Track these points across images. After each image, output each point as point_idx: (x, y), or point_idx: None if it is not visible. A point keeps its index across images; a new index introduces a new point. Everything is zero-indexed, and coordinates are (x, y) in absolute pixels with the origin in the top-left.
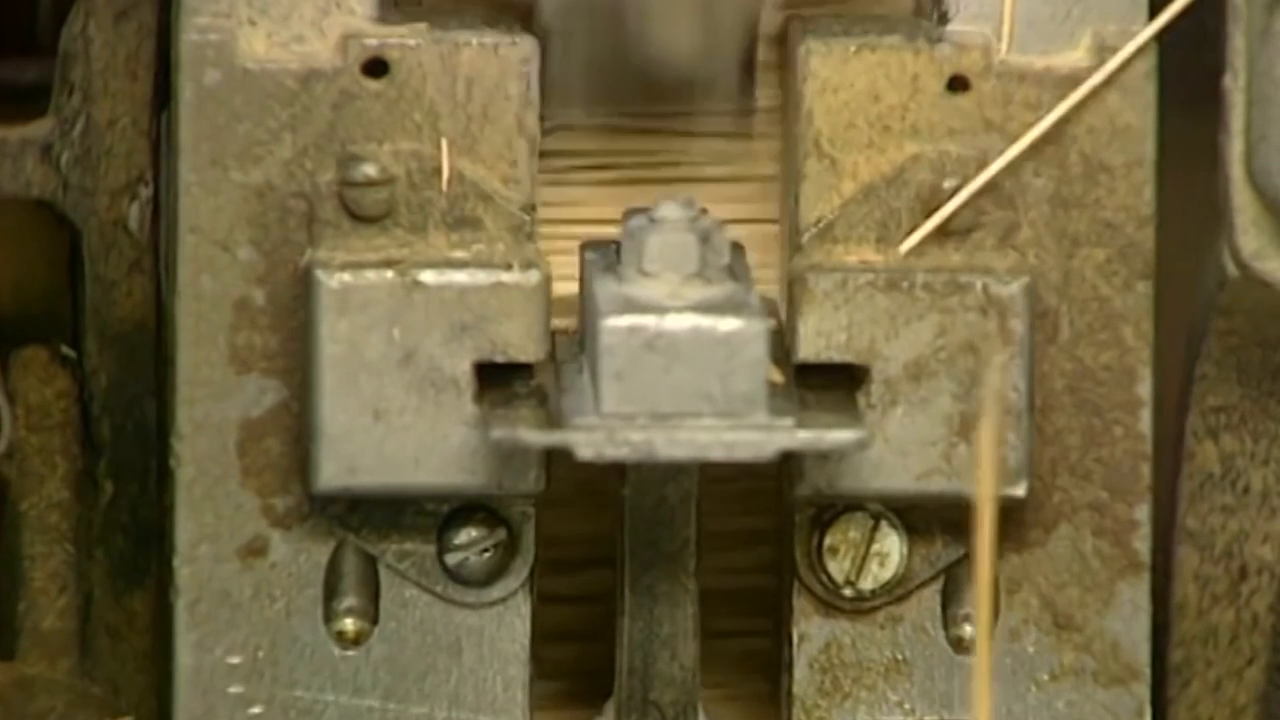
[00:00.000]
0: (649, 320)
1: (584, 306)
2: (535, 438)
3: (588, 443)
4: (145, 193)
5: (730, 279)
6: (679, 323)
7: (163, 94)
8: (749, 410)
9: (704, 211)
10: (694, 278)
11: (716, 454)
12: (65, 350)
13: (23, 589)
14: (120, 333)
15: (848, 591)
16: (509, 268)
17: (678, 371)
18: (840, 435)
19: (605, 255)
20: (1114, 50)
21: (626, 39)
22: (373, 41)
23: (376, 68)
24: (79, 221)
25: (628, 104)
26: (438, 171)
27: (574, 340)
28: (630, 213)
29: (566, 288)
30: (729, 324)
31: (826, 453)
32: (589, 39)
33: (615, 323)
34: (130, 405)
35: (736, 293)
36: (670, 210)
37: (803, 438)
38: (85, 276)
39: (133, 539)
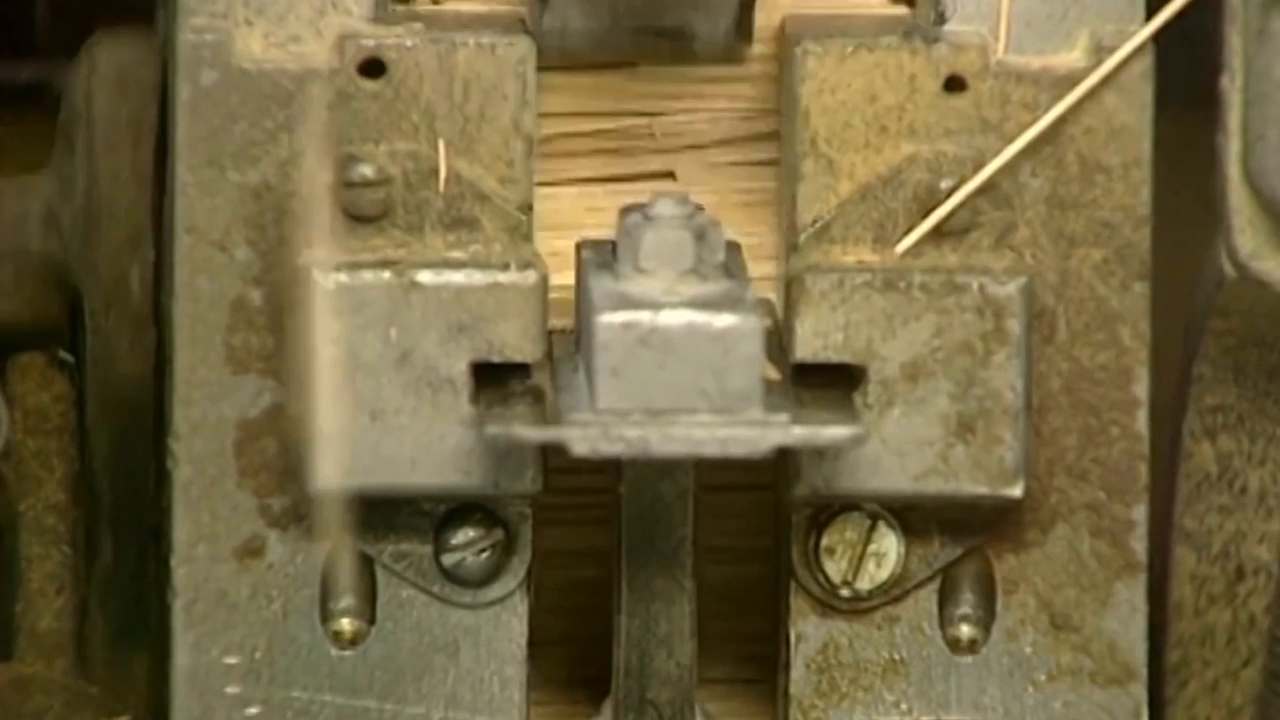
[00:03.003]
0: (644, 316)
1: (580, 304)
2: (530, 434)
3: (583, 438)
4: (146, 252)
5: (726, 276)
6: (674, 319)
7: (163, 156)
8: (744, 406)
9: (699, 209)
10: (689, 274)
11: (711, 450)
12: (63, 355)
13: (20, 590)
14: (121, 391)
15: (845, 592)
16: (506, 268)
17: (673, 367)
18: (836, 431)
19: (601, 253)
20: (1111, 50)
21: None
22: (369, 42)
23: (373, 68)
24: (80, 281)
25: (624, 49)
26: (434, 172)
27: (570, 339)
28: (626, 209)
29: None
30: (724, 320)
31: (822, 449)
32: None
33: (610, 319)
34: (130, 463)
35: (732, 289)
36: (666, 207)
37: (798, 434)
38: (86, 335)
39: (131, 600)
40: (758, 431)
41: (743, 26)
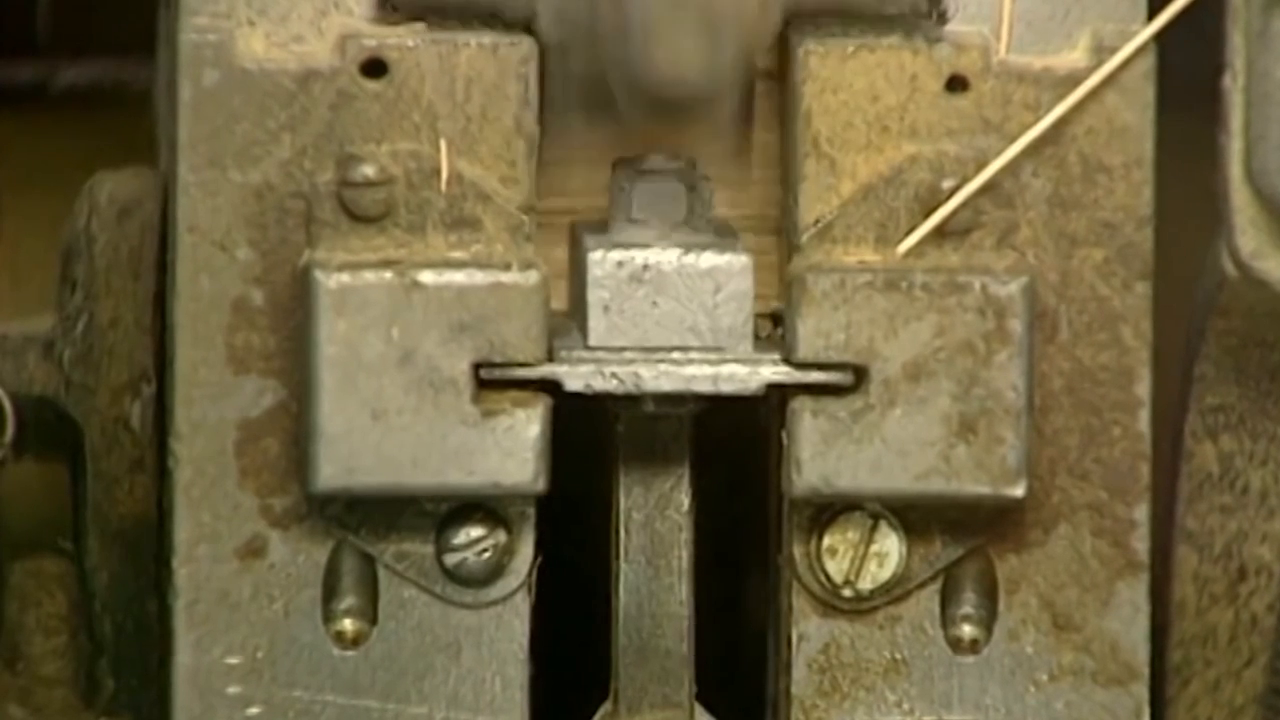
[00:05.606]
0: (635, 254)
1: (574, 269)
2: (523, 372)
3: (575, 375)
4: (147, 391)
5: (716, 228)
6: (666, 255)
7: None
8: (735, 344)
9: (692, 164)
10: (681, 225)
11: (703, 387)
12: (62, 544)
13: None
14: (121, 530)
15: (846, 592)
16: (508, 268)
17: (664, 304)
18: (830, 374)
19: (594, 224)
20: (1113, 50)
21: (628, 58)
22: (371, 42)
23: (375, 68)
24: (81, 419)
25: (626, 123)
26: (436, 172)
27: (566, 321)
28: (618, 165)
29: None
30: (714, 258)
31: (813, 387)
32: (589, 57)
33: (602, 255)
34: (131, 603)
35: (723, 236)
36: (658, 161)
37: (789, 372)
38: (87, 474)
39: None
40: (749, 369)
41: (741, 148)
